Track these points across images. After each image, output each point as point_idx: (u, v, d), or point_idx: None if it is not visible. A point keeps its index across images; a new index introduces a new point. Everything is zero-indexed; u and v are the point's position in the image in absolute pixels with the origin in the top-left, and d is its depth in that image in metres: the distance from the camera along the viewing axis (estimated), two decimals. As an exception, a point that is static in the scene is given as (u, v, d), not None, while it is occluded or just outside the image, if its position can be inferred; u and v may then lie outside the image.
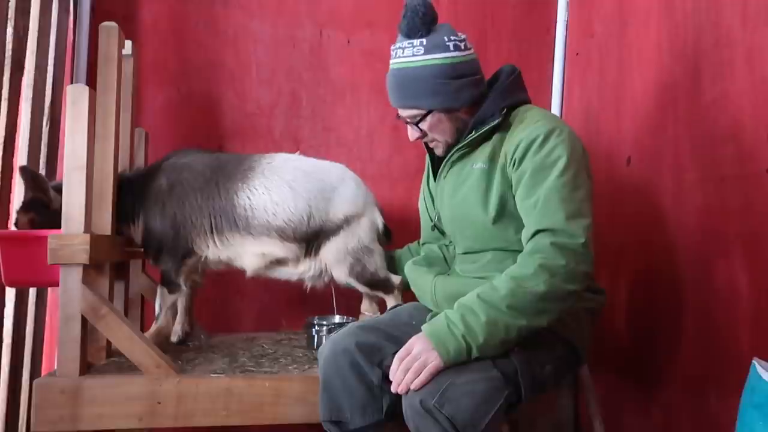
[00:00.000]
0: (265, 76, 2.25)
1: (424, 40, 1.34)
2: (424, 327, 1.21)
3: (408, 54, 1.35)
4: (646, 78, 1.77)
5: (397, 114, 1.45)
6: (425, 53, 1.34)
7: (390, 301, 1.74)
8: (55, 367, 1.41)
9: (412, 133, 1.43)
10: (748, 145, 1.34)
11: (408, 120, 1.42)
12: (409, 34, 1.35)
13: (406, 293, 1.72)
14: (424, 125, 1.40)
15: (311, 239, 1.70)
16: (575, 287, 1.18)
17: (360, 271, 1.70)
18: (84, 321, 1.41)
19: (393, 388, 1.19)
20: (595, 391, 1.75)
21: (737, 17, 1.38)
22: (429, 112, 1.38)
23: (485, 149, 1.37)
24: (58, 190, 1.49)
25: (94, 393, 1.40)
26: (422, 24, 1.34)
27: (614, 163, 1.92)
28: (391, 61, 1.39)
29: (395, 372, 1.18)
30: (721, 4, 1.44)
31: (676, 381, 1.58)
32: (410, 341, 1.20)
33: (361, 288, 1.74)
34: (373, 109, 2.30)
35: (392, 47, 1.39)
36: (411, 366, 1.16)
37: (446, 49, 1.35)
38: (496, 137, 1.37)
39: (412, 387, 1.15)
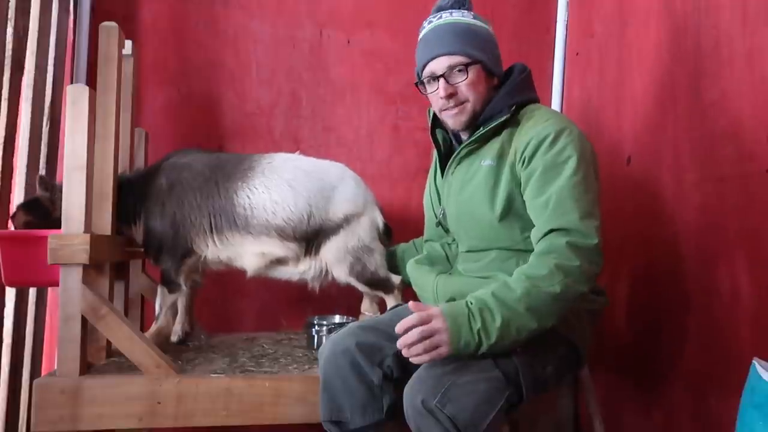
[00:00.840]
0: (265, 76, 2.25)
1: (470, 12, 1.41)
2: (444, 307, 1.15)
3: (457, 15, 1.39)
4: (646, 78, 1.77)
5: (418, 80, 1.43)
6: (474, 18, 1.40)
7: (390, 301, 1.74)
8: (55, 367, 1.41)
9: (446, 87, 1.36)
10: (748, 145, 1.34)
11: (445, 72, 1.35)
12: (454, 6, 1.40)
13: (407, 292, 1.72)
14: (464, 75, 1.35)
15: (311, 238, 1.70)
16: (585, 288, 1.19)
17: (360, 271, 1.70)
18: (84, 321, 1.41)
19: (399, 344, 1.14)
20: (595, 391, 1.74)
21: (737, 17, 1.38)
22: (475, 62, 1.36)
23: (494, 146, 1.36)
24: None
25: (94, 393, 1.40)
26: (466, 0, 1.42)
27: (614, 162, 1.92)
28: (435, 22, 1.40)
29: (406, 326, 1.12)
30: (721, 4, 1.44)
31: (676, 380, 1.58)
32: (432, 310, 1.14)
33: (361, 287, 1.74)
34: (373, 109, 2.30)
35: (430, 18, 1.42)
36: (427, 336, 1.11)
37: (487, 23, 1.42)
38: (504, 134, 1.36)
39: (414, 360, 1.13)
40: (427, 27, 1.41)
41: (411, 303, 1.18)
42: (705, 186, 1.48)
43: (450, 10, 1.40)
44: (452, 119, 1.40)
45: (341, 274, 1.71)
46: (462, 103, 1.38)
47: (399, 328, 1.14)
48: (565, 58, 2.32)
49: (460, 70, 1.36)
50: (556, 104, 2.32)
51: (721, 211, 1.42)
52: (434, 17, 1.41)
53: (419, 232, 1.69)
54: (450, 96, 1.37)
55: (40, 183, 1.61)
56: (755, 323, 1.31)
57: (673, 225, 1.60)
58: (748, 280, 1.33)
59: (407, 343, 1.13)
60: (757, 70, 1.32)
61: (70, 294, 1.40)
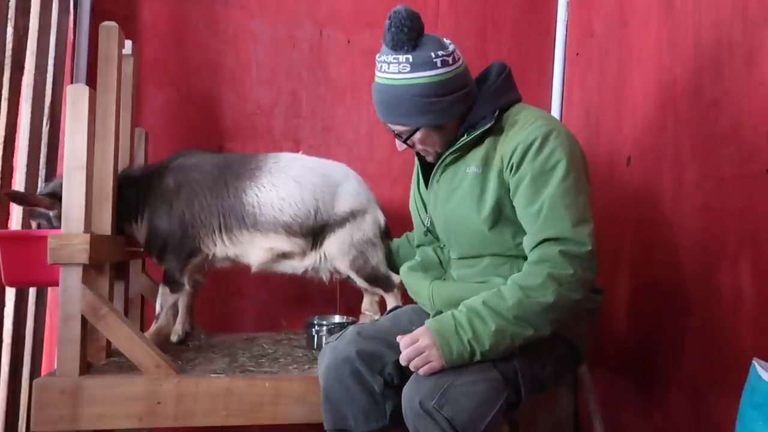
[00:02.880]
0: (265, 76, 2.25)
1: (410, 57, 1.26)
2: (429, 322, 1.19)
3: (394, 70, 1.28)
4: (646, 78, 1.77)
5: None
6: (411, 71, 1.26)
7: (390, 301, 1.75)
8: (55, 367, 1.42)
9: (400, 144, 1.39)
10: (748, 145, 1.34)
11: (395, 132, 1.37)
12: (395, 48, 1.27)
13: (405, 293, 1.72)
14: (412, 140, 1.36)
15: (317, 233, 1.72)
16: (580, 296, 1.18)
17: (362, 264, 1.71)
18: (84, 321, 1.41)
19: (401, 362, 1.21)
20: (594, 391, 1.75)
21: (737, 17, 1.38)
22: (417, 129, 1.33)
23: (477, 153, 1.33)
24: (55, 194, 1.49)
25: (94, 393, 1.40)
26: (408, 39, 1.25)
27: (614, 163, 1.92)
28: (377, 74, 1.33)
29: (403, 355, 1.19)
30: (721, 4, 1.44)
31: (675, 381, 1.58)
32: (417, 331, 1.19)
33: (361, 282, 1.75)
34: (372, 109, 2.27)
35: (377, 57, 1.32)
36: (415, 356, 1.16)
37: (433, 66, 1.27)
38: (488, 141, 1.33)
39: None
40: (375, 76, 1.34)
41: (398, 337, 1.22)
42: (705, 186, 1.48)
43: (388, 57, 1.29)
44: (424, 157, 1.43)
45: (343, 266, 1.72)
46: (422, 150, 1.40)
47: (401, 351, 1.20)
48: (565, 58, 2.32)
49: (406, 138, 1.36)
50: (556, 104, 2.32)
51: (721, 211, 1.42)
52: (378, 62, 1.32)
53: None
54: (409, 147, 1.40)
55: (10, 198, 1.59)
56: (755, 323, 1.31)
57: (672, 225, 1.60)
58: (748, 280, 1.33)
59: (405, 361, 1.19)
60: (757, 70, 1.32)
61: (70, 294, 1.40)
